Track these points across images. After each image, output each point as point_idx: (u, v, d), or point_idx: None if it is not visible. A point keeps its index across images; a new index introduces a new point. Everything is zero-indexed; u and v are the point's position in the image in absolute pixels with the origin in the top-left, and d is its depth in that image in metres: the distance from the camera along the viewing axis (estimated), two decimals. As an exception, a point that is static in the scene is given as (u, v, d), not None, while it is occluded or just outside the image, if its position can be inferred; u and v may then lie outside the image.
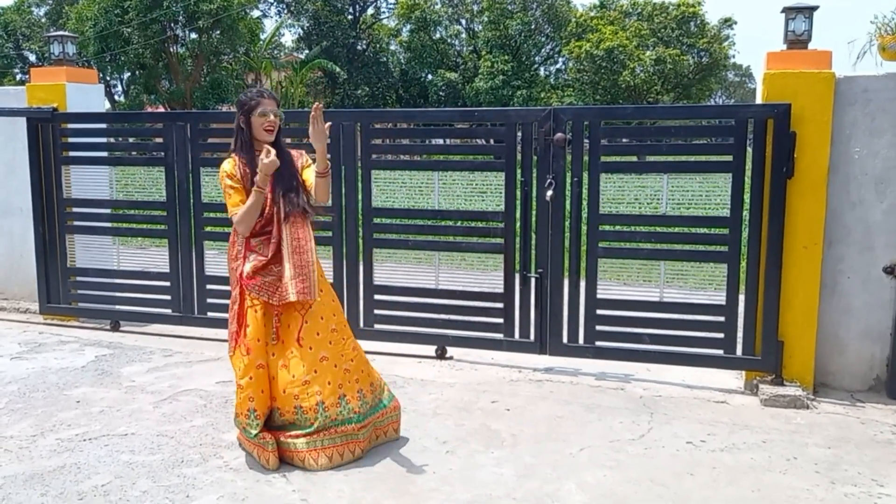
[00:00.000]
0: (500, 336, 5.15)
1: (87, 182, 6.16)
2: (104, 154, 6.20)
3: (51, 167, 6.06)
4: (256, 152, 3.61)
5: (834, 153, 4.50)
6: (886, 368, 4.60)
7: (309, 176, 3.69)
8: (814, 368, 4.61)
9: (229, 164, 3.65)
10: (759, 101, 4.66)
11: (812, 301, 4.55)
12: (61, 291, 6.19)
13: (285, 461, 3.59)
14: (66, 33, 6.47)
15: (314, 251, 3.65)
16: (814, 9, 4.55)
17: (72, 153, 6.11)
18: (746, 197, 4.62)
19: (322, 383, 3.59)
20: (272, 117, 3.60)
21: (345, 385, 3.65)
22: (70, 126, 6.07)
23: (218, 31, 32.33)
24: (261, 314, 3.63)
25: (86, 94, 6.37)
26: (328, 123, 3.59)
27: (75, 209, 6.13)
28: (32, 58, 38.10)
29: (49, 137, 6.04)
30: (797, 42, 4.56)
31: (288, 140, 5.98)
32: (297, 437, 3.57)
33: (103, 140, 6.21)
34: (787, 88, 4.46)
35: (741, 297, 4.70)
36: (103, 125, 6.29)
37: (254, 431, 3.57)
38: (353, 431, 3.63)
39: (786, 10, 4.59)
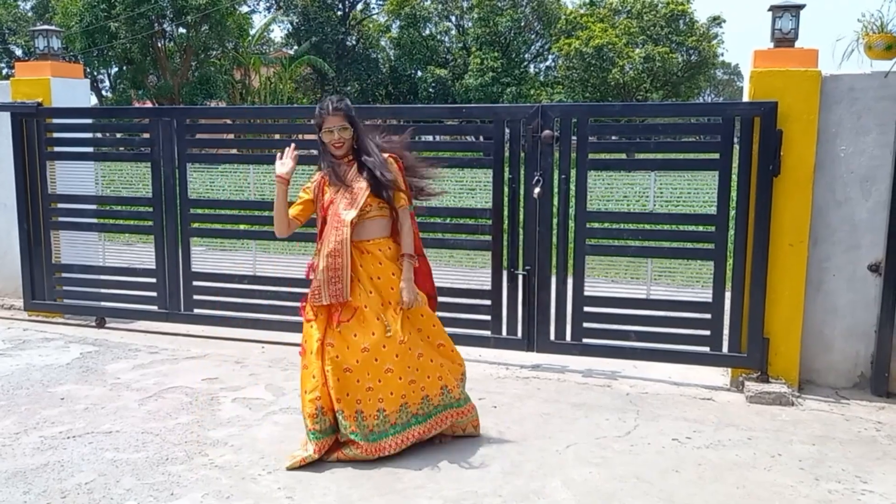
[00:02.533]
0: (487, 333, 5.15)
1: (72, 177, 6.11)
2: (90, 149, 6.14)
3: (35, 162, 6.02)
4: (339, 162, 3.70)
5: (820, 151, 4.52)
6: (871, 366, 4.63)
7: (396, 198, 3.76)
8: (799, 366, 4.63)
9: (310, 180, 3.82)
10: (746, 99, 4.68)
11: (798, 299, 4.57)
12: (46, 288, 6.15)
13: None
14: (51, 28, 6.41)
15: (348, 254, 3.61)
16: (800, 7, 4.56)
17: (57, 148, 6.06)
18: (734, 195, 4.63)
19: (385, 393, 3.58)
20: (336, 135, 3.64)
21: (406, 395, 3.63)
22: (55, 121, 6.03)
23: (206, 27, 32.13)
24: (323, 315, 3.67)
25: (71, 89, 6.32)
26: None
27: (60, 205, 6.08)
28: (19, 52, 37.78)
29: (34, 132, 5.99)
30: (784, 40, 4.57)
31: (277, 136, 6.00)
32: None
33: (89, 135, 6.17)
34: (774, 87, 4.47)
35: (727, 295, 4.72)
36: (89, 120, 6.26)
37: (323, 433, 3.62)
38: (386, 447, 3.60)
39: (772, 8, 4.60)
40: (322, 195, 3.74)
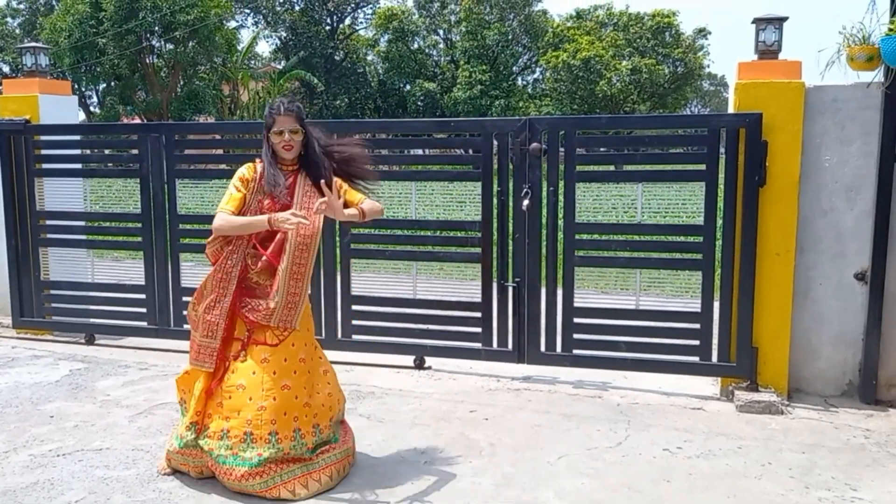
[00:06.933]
0: (478, 345, 5.16)
1: (60, 194, 6.09)
2: (78, 166, 6.14)
3: (23, 179, 6.00)
4: (281, 167, 3.53)
5: (805, 161, 4.56)
6: (859, 373, 4.66)
7: (351, 198, 3.60)
8: (788, 374, 4.66)
9: (247, 169, 3.54)
10: (731, 110, 4.72)
11: (785, 308, 4.61)
12: (35, 305, 6.11)
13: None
14: (39, 45, 6.42)
15: (308, 279, 3.55)
16: (783, 20, 4.63)
17: (45, 165, 6.05)
18: (720, 205, 4.67)
19: (278, 413, 3.39)
20: (286, 136, 3.47)
21: (300, 419, 3.45)
22: (43, 138, 6.01)
23: (194, 42, 32.17)
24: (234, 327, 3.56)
25: (59, 106, 6.31)
26: (333, 200, 3.40)
27: (49, 222, 6.06)
28: (7, 69, 37.68)
29: (22, 149, 5.98)
30: (768, 52, 4.63)
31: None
32: (248, 477, 3.33)
33: (77, 152, 6.16)
34: (759, 98, 4.52)
35: (716, 305, 4.75)
36: (77, 137, 6.23)
37: (201, 442, 3.46)
38: (310, 458, 3.45)
39: (756, 20, 4.66)
40: (257, 197, 3.50)
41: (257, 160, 3.60)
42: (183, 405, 3.67)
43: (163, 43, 32.96)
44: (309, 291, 3.60)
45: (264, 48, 46.69)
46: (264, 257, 3.50)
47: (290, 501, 3.36)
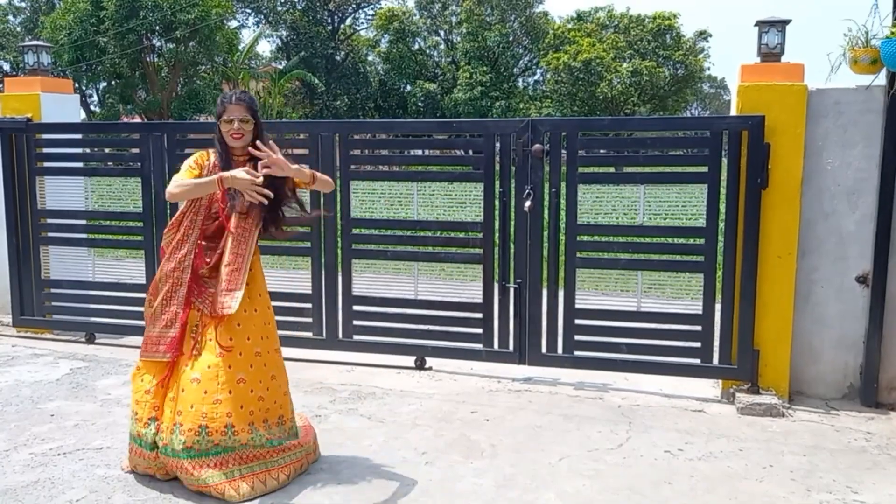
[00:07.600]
0: (479, 346, 5.16)
1: (62, 193, 6.09)
2: (79, 165, 6.13)
3: (25, 178, 6.00)
4: (233, 159, 3.52)
5: (807, 164, 4.57)
6: (860, 376, 4.66)
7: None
8: (789, 377, 4.66)
9: (200, 155, 3.57)
10: (733, 112, 4.72)
11: (787, 310, 4.61)
12: (35, 304, 6.11)
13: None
14: (41, 43, 6.41)
15: (246, 271, 3.51)
16: (786, 22, 4.63)
17: (46, 164, 6.04)
18: (722, 207, 4.67)
19: (234, 406, 3.40)
20: (236, 125, 3.46)
21: (255, 413, 3.48)
22: (44, 136, 6.01)
23: (195, 42, 32.15)
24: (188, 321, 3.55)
25: (61, 104, 6.31)
26: (277, 158, 3.38)
27: (50, 220, 6.06)
28: (7, 67, 37.65)
29: (23, 148, 5.98)
30: (770, 55, 4.63)
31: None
32: (207, 466, 3.36)
33: (78, 150, 6.15)
34: (761, 101, 4.52)
35: (717, 307, 4.75)
36: (78, 135, 6.23)
37: (151, 439, 3.47)
38: (269, 455, 3.49)
39: (759, 23, 4.66)
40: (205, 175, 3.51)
41: (211, 149, 3.61)
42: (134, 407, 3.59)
43: (163, 42, 32.92)
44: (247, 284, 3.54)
45: (265, 48, 46.78)
46: (218, 251, 3.51)
47: (247, 499, 3.36)
